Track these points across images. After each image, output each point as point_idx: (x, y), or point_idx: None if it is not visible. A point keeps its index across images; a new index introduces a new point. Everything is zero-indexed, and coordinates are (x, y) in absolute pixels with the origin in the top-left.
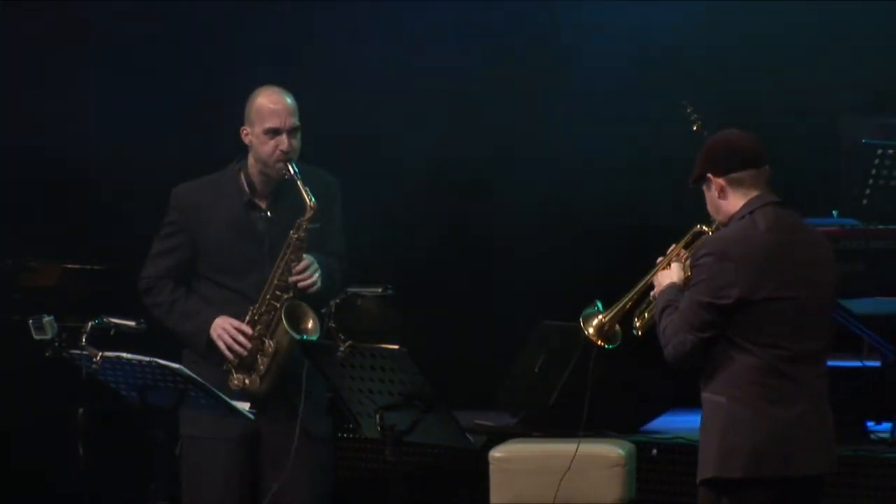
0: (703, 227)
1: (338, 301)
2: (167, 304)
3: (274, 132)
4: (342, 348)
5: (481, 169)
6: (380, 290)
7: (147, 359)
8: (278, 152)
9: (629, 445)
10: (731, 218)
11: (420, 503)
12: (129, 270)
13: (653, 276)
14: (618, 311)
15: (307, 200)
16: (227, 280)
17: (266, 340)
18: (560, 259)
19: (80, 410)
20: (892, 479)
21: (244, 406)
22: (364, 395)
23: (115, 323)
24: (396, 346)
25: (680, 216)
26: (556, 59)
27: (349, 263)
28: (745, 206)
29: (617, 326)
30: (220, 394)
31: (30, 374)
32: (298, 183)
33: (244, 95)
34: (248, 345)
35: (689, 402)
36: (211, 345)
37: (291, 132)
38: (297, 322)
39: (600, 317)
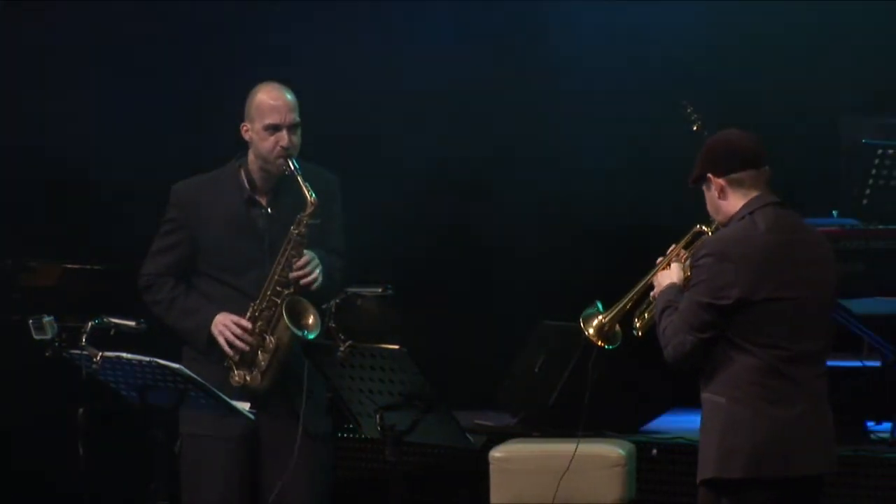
0: (703, 228)
1: (338, 301)
2: (167, 301)
3: (274, 128)
4: (342, 348)
5: (481, 169)
6: (380, 290)
7: (147, 359)
8: (279, 148)
9: (629, 445)
10: (731, 218)
11: (420, 503)
12: (129, 270)
13: (653, 276)
14: (618, 311)
15: (307, 196)
16: (227, 277)
17: (267, 336)
18: (560, 259)
19: (80, 410)
20: (892, 479)
21: (244, 406)
22: (364, 395)
23: (115, 323)
24: (396, 346)
25: (680, 216)
26: (555, 60)
27: (349, 263)
28: (744, 206)
29: (617, 327)
30: (220, 394)
31: (30, 374)
32: (299, 179)
33: (244, 95)
34: (249, 339)
35: (689, 402)
36: (212, 342)
37: (292, 128)
38: (297, 318)
39: (600, 317)
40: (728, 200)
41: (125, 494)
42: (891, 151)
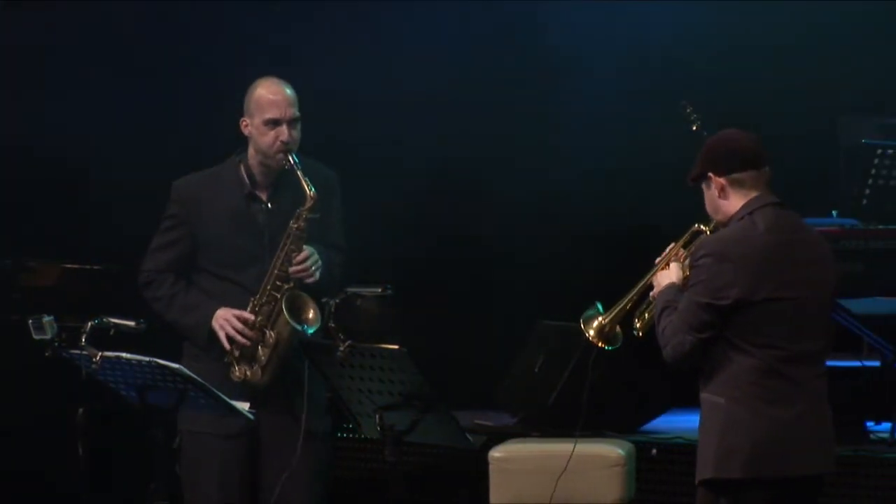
0: (702, 227)
1: (337, 301)
2: (167, 297)
3: (274, 123)
4: (342, 348)
5: (481, 169)
6: (379, 290)
7: (147, 359)
8: (278, 143)
9: (629, 445)
10: (731, 218)
11: (419, 503)
12: (129, 270)
13: (652, 276)
14: (618, 312)
15: (307, 190)
16: (227, 273)
17: (267, 331)
18: (560, 259)
19: (80, 410)
20: (892, 479)
21: (244, 406)
22: (364, 395)
23: (114, 323)
24: (396, 346)
25: (679, 217)
26: (556, 61)
27: (349, 260)
28: (744, 206)
29: (617, 328)
30: (220, 394)
31: (30, 374)
32: (298, 173)
33: (244, 95)
34: (250, 333)
35: (689, 402)
36: (212, 338)
37: (291, 123)
38: (297, 312)
39: (600, 318)
40: (728, 200)
41: (125, 494)
42: (890, 151)
